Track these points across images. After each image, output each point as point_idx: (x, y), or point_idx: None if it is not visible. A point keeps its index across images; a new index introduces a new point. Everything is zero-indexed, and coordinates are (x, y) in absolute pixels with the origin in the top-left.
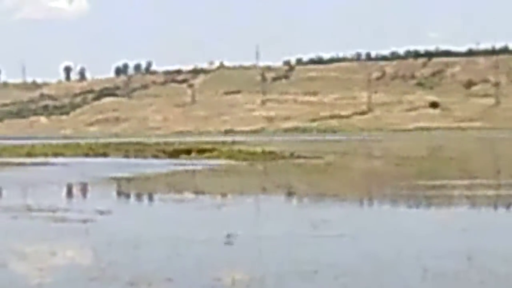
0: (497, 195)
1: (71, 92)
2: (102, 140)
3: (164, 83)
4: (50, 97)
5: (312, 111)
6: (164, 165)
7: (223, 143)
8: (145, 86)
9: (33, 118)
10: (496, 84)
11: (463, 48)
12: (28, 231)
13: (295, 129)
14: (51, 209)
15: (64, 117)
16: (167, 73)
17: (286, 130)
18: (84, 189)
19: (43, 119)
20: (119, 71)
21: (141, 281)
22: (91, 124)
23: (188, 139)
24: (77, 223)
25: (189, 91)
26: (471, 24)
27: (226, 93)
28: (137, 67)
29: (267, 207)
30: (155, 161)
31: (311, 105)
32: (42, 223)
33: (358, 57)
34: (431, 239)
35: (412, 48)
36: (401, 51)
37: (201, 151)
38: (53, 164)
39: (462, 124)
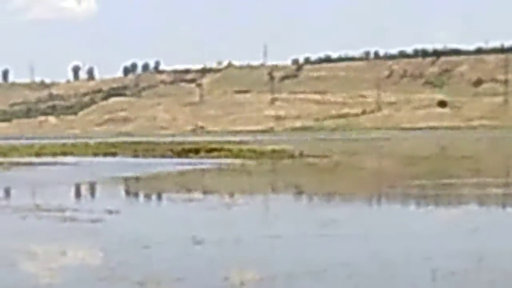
0: (507, 194)
1: (80, 92)
2: (110, 140)
3: (172, 83)
4: (59, 97)
5: (321, 110)
6: (173, 164)
7: (232, 142)
8: (153, 86)
9: (41, 118)
10: (505, 83)
11: (471, 47)
12: (37, 230)
13: (304, 128)
14: (60, 209)
15: (72, 117)
16: (175, 72)
17: (295, 129)
18: (93, 188)
19: (51, 119)
20: (127, 70)
21: (151, 281)
22: (100, 123)
23: (197, 138)
24: (86, 222)
25: (197, 91)
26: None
27: (235, 93)
28: (146, 67)
29: (276, 207)
30: (164, 160)
31: (320, 104)
32: (51, 223)
33: (366, 56)
34: (440, 239)
35: (420, 47)
36: (410, 50)
37: (210, 151)
38: (62, 163)
39: (471, 123)
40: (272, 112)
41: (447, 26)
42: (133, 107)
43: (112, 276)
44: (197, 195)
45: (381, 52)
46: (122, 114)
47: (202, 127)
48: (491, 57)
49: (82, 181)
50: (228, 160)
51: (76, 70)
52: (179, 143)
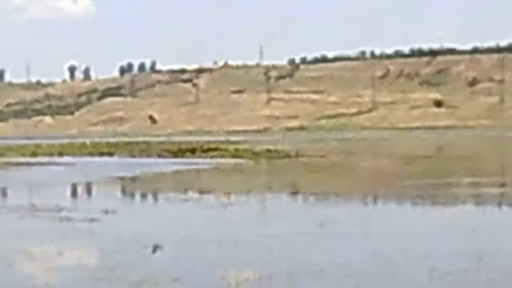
0: (504, 193)
1: (76, 92)
2: (107, 140)
3: (168, 83)
4: (55, 97)
5: (317, 110)
6: (169, 164)
7: (228, 142)
8: (149, 86)
9: (38, 118)
10: (501, 82)
11: (467, 46)
12: (34, 231)
13: (300, 128)
14: (57, 209)
15: (69, 116)
16: (171, 72)
17: (291, 129)
18: (89, 188)
19: (48, 119)
20: (123, 70)
21: (148, 281)
22: (96, 123)
23: (193, 138)
24: (83, 222)
25: (193, 91)
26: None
27: (231, 92)
28: (142, 67)
29: (273, 206)
30: (160, 160)
31: (316, 104)
32: (48, 223)
33: (362, 56)
34: (438, 238)
35: (416, 46)
36: (406, 49)
37: (206, 150)
38: (58, 163)
39: (467, 123)
40: (268, 112)
41: (443, 26)
42: (129, 107)
43: (110, 276)
44: (194, 195)
45: (377, 52)
46: (118, 114)
47: (151, 117)
48: (487, 57)
49: (78, 181)
50: (225, 160)
51: (72, 70)
52: (176, 143)
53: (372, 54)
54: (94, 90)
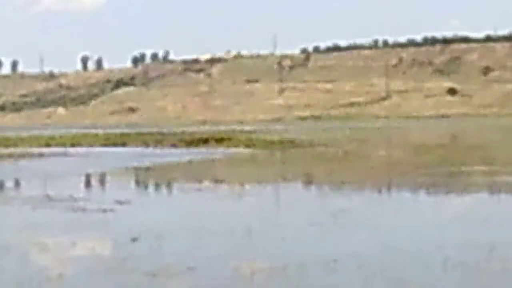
0: None
1: (89, 83)
2: (120, 130)
3: (181, 73)
4: (68, 87)
5: (330, 99)
6: (183, 154)
7: (242, 132)
8: (162, 76)
9: (51, 109)
10: None
11: (481, 35)
12: (47, 221)
13: (313, 117)
14: (70, 200)
15: (81, 107)
16: (184, 62)
17: (304, 118)
18: (103, 179)
19: (61, 109)
20: (136, 60)
21: (161, 271)
22: (109, 114)
23: (207, 128)
24: (97, 213)
25: (206, 81)
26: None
27: (244, 82)
28: (154, 57)
29: (286, 196)
30: (173, 150)
31: (329, 93)
32: (61, 213)
33: (375, 44)
34: (451, 228)
35: (429, 34)
36: (419, 38)
37: (219, 140)
38: (71, 154)
39: (481, 111)
40: (281, 102)
41: (456, 14)
42: (143, 97)
43: (123, 267)
44: (207, 185)
45: (390, 40)
46: (131, 104)
47: (131, 109)
48: (500, 45)
49: (92, 171)
50: (238, 150)
51: (85, 60)
52: (189, 133)
53: (385, 43)
54: (107, 81)
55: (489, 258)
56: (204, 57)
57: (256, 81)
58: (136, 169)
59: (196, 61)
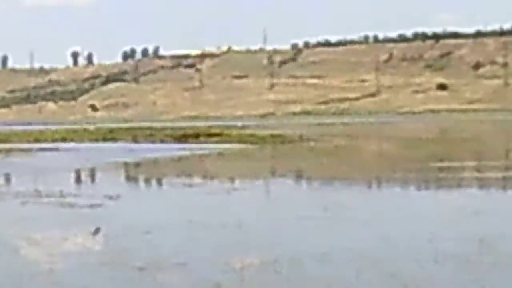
0: (508, 177)
1: (79, 78)
2: (110, 125)
3: (171, 68)
4: (58, 82)
5: (320, 94)
6: (172, 149)
7: (232, 127)
8: (152, 71)
9: (41, 104)
10: (504, 66)
11: (471, 30)
12: (37, 217)
13: (304, 113)
14: (60, 195)
15: (72, 102)
16: (174, 57)
17: (295, 114)
18: (92, 174)
19: (51, 104)
20: (126, 56)
21: (152, 266)
22: (99, 109)
23: (198, 123)
24: (87, 208)
25: (197, 76)
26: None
27: (234, 77)
28: (145, 52)
29: (278, 191)
30: (163, 145)
31: (319, 88)
32: (51, 208)
33: (366, 40)
34: (443, 222)
35: (420, 30)
36: (409, 33)
37: (210, 135)
38: (61, 149)
39: (471, 106)
40: (271, 97)
41: (447, 9)
42: (133, 92)
43: (114, 262)
44: (198, 180)
45: (381, 36)
46: (122, 99)
47: (93, 106)
48: (491, 40)
49: (81, 166)
50: (228, 145)
51: (75, 56)
52: (179, 128)
53: (376, 38)
54: (97, 76)
55: (481, 251)
56: (195, 52)
57: (247, 76)
58: (127, 164)
59: (186, 56)
